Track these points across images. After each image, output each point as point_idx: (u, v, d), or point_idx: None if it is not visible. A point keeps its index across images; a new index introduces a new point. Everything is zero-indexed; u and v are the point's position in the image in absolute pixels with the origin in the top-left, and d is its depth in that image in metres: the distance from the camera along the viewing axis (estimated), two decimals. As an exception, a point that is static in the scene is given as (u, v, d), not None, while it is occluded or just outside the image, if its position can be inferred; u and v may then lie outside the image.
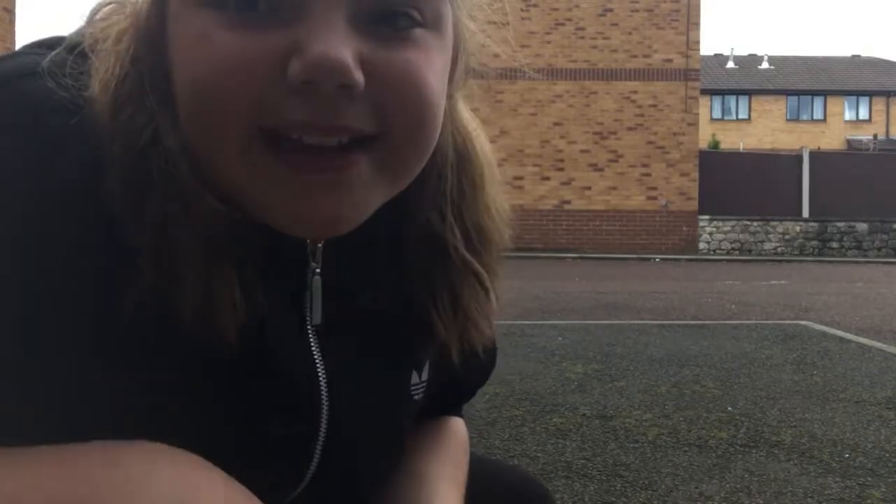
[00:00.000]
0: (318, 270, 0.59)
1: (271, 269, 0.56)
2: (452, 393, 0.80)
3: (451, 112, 0.64)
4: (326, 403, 0.60)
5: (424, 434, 0.78)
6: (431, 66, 0.53)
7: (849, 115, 39.27)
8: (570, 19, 19.23)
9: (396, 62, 0.51)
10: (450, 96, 0.62)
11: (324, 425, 0.60)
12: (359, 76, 0.49)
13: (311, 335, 0.60)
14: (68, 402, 0.50)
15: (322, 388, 0.60)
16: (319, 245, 0.59)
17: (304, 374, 0.59)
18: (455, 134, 0.65)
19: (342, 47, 0.49)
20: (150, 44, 0.54)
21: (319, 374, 0.60)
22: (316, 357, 0.60)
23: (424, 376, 0.70)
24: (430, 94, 0.53)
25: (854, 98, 39.26)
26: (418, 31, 0.53)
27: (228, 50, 0.49)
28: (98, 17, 0.58)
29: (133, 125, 0.52)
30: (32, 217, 0.50)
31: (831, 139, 37.56)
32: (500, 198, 0.71)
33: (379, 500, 0.70)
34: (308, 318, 0.60)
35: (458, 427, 0.84)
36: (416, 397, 0.70)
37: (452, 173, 0.64)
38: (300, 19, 0.49)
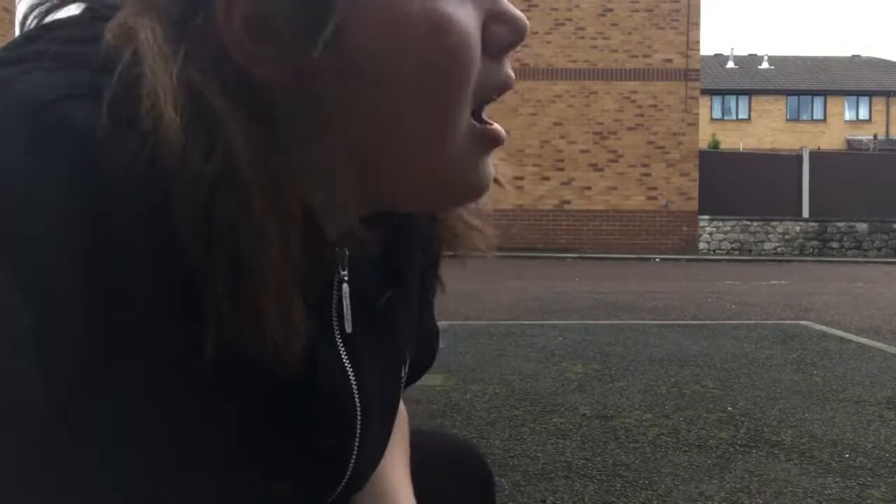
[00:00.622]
0: (346, 278, 0.57)
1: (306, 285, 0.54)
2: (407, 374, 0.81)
3: None
4: (360, 410, 0.60)
5: None
6: None
7: (849, 115, 39.26)
8: (570, 19, 19.23)
9: None
10: None
11: (358, 431, 0.60)
12: None
13: (340, 345, 0.58)
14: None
15: (356, 396, 0.60)
16: (347, 252, 0.57)
17: (342, 386, 0.59)
18: None
19: None
20: (208, 42, 0.48)
21: (352, 382, 0.59)
22: (348, 367, 0.59)
23: (405, 371, 0.72)
24: None
25: (854, 98, 39.25)
26: None
27: (463, 19, 0.50)
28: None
29: (200, 144, 0.46)
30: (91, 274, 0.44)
31: (831, 139, 37.55)
32: None
33: None
34: (336, 328, 0.58)
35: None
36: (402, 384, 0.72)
37: None
38: None
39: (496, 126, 0.56)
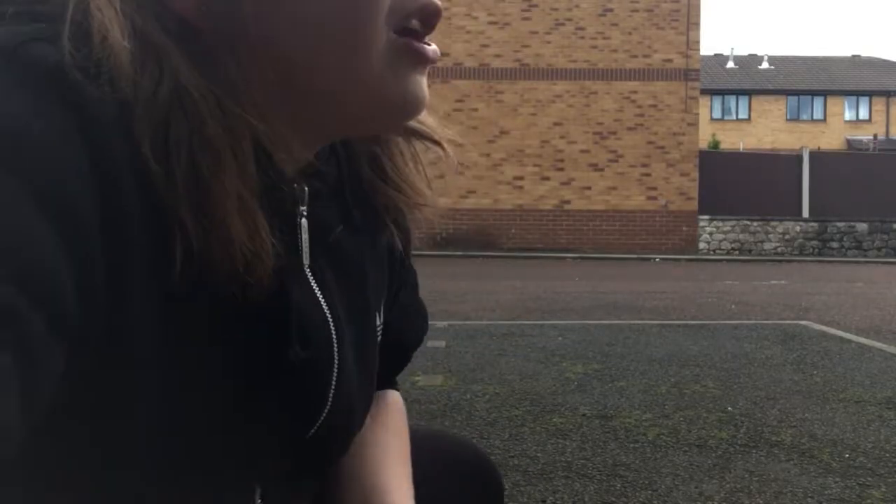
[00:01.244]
0: (305, 213, 0.61)
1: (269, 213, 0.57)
2: (394, 355, 0.82)
3: None
4: (335, 335, 0.63)
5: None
6: None
7: (849, 115, 39.26)
8: (570, 19, 19.22)
9: None
10: None
11: (336, 354, 0.63)
12: None
13: (308, 274, 0.61)
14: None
15: (329, 319, 0.62)
16: (305, 188, 0.61)
17: (315, 309, 0.61)
18: None
19: None
20: None
21: (323, 306, 0.62)
22: (317, 293, 0.62)
23: (380, 320, 0.73)
24: None
25: (854, 98, 39.25)
26: None
27: None
28: None
29: (152, 70, 0.50)
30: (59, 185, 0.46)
31: (831, 139, 37.56)
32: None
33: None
34: (303, 258, 0.61)
35: (396, 398, 0.87)
36: (379, 338, 0.73)
37: None
38: None
39: (422, 44, 0.57)
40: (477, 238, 18.13)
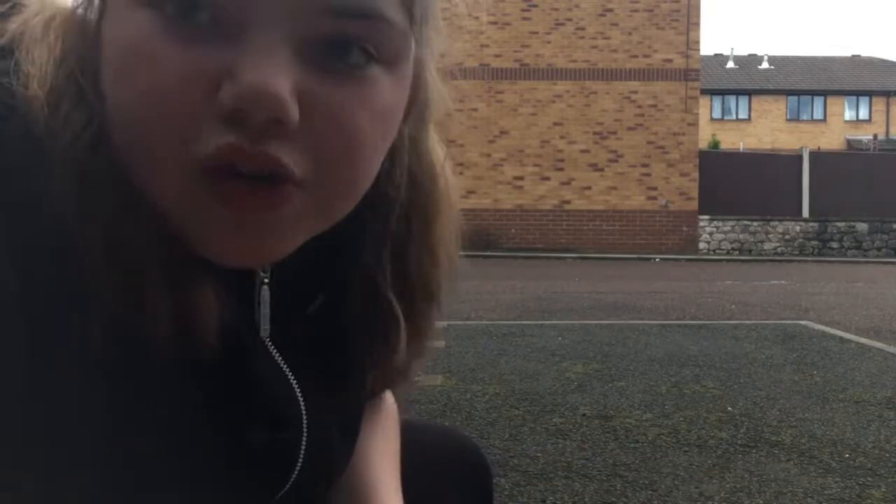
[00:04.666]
0: (266, 281, 0.58)
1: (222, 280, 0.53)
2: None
3: (412, 149, 0.63)
4: (304, 407, 0.60)
5: None
6: (375, 106, 0.50)
7: (849, 115, 39.26)
8: (570, 19, 19.23)
9: (333, 101, 0.48)
10: (410, 137, 0.62)
11: (304, 430, 0.61)
12: (293, 112, 0.46)
13: (269, 343, 0.59)
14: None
15: (297, 393, 0.60)
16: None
17: (277, 380, 0.59)
18: (414, 172, 0.64)
19: (279, 78, 0.45)
20: (83, 35, 0.50)
21: (290, 379, 0.60)
22: (280, 363, 0.59)
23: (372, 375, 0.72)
24: (362, 139, 0.50)
25: (854, 98, 39.25)
26: (373, 69, 0.50)
27: (164, 68, 0.45)
28: (14, 10, 0.53)
29: (74, 123, 0.48)
30: None
31: (831, 139, 37.55)
32: (452, 243, 0.69)
33: None
34: (260, 328, 0.58)
35: (386, 396, 0.85)
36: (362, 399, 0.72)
37: (401, 213, 0.63)
38: (241, 38, 0.46)
39: (232, 180, 0.47)
40: (477, 238, 18.14)
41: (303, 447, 0.61)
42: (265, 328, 0.58)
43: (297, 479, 0.62)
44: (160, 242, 0.49)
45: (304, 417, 0.60)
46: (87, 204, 0.47)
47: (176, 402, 0.51)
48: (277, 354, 0.59)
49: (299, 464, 0.61)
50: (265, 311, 0.58)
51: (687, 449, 3.10)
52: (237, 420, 0.56)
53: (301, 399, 0.60)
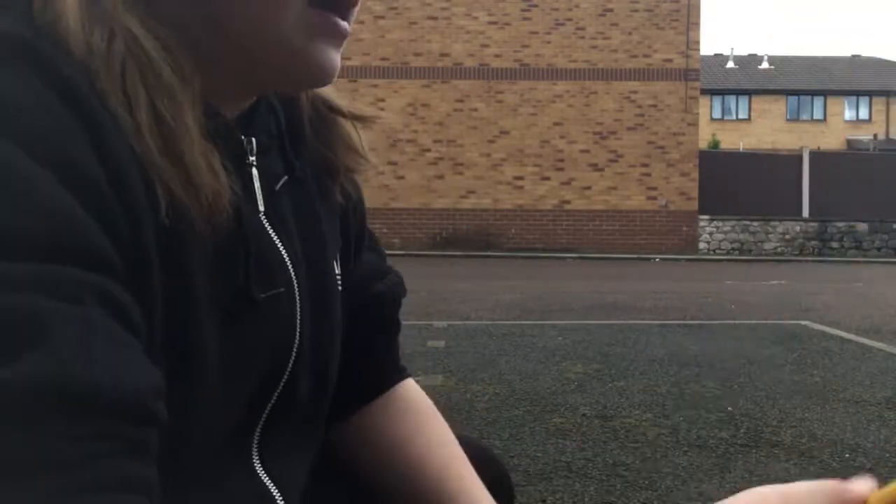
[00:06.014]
0: (255, 163, 0.64)
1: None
2: (376, 315, 0.83)
3: None
4: (294, 275, 0.65)
5: (405, 416, 0.83)
6: None
7: (849, 115, 39.25)
8: (570, 19, 19.22)
9: None
10: None
11: (297, 293, 0.65)
12: None
13: (262, 217, 0.64)
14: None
15: (287, 263, 0.65)
16: (253, 139, 0.64)
17: (272, 251, 0.64)
18: None
19: None
20: None
21: (281, 250, 0.65)
22: (273, 237, 0.65)
23: (338, 269, 0.75)
24: None
25: (854, 98, 39.24)
26: None
27: None
28: None
29: (101, 28, 0.52)
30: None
31: (831, 139, 37.54)
32: None
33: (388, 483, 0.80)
34: (258, 204, 0.64)
35: (421, 397, 0.87)
36: (339, 287, 0.75)
37: None
38: None
39: (333, 17, 0.59)
40: (477, 238, 18.13)
41: (298, 308, 0.65)
42: (261, 202, 0.64)
43: (297, 353, 0.65)
44: (197, 133, 0.54)
45: (295, 284, 0.65)
46: (128, 99, 0.51)
47: (207, 279, 0.56)
48: (270, 229, 0.65)
49: (298, 328, 0.65)
50: (258, 187, 0.64)
51: (687, 449, 3.10)
52: (243, 279, 0.60)
53: (291, 267, 0.65)
